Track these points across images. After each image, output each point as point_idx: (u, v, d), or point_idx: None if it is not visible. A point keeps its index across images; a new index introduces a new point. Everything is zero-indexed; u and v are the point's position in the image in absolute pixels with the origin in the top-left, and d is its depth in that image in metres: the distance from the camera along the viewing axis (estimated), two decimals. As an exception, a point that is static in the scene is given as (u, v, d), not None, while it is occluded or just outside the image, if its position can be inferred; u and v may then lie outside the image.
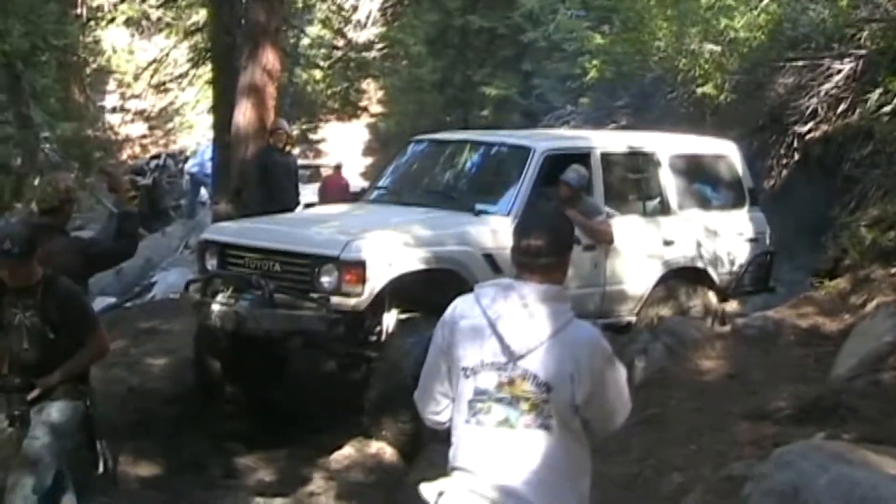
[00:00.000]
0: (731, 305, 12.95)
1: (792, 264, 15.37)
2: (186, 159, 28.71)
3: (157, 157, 30.14)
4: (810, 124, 16.19)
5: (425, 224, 10.72)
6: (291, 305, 10.05)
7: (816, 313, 11.15)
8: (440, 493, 4.51)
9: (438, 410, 4.62)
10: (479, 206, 11.08)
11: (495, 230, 10.73)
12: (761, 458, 7.14)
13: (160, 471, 9.97)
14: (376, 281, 9.81)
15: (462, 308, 4.53)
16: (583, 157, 11.69)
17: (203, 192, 26.58)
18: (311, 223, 11.35)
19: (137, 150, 33.68)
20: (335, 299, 9.79)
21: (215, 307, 10.30)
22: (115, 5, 30.55)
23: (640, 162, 12.48)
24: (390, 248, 10.10)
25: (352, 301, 9.79)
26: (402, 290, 10.08)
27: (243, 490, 9.73)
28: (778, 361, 10.24)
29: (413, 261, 10.12)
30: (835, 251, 12.88)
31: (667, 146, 12.76)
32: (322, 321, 9.80)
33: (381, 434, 9.97)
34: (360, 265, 9.76)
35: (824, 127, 16.02)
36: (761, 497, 5.46)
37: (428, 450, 9.99)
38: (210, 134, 23.36)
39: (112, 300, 18.64)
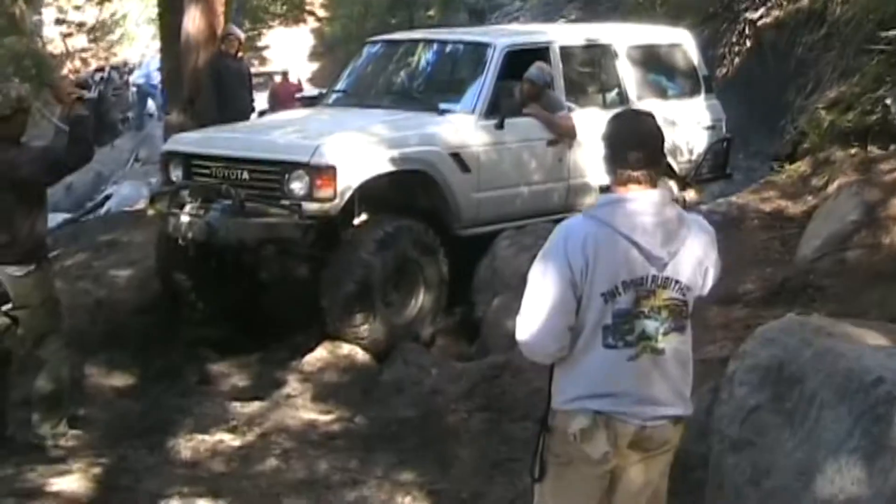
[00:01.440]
0: (690, 193, 13.01)
1: (748, 151, 15.51)
2: (131, 71, 28.45)
3: (101, 69, 29.94)
4: (762, 10, 16.32)
5: (390, 125, 10.71)
6: (263, 213, 9.98)
7: (779, 197, 11.26)
8: (582, 431, 4.47)
9: (566, 345, 4.44)
10: (442, 105, 11.09)
11: (460, 128, 10.81)
12: (734, 340, 7.24)
13: (134, 380, 9.96)
14: (347, 185, 9.82)
15: (582, 232, 4.38)
16: (542, 51, 11.69)
17: (150, 103, 26.41)
18: (277, 129, 11.28)
19: (78, 63, 33.09)
20: (307, 205, 9.77)
21: (184, 218, 10.12)
22: None
23: (598, 54, 12.47)
24: (359, 151, 10.10)
25: (324, 206, 9.79)
26: (372, 193, 10.12)
27: (219, 396, 9.67)
28: (744, 245, 10.31)
29: (382, 163, 10.12)
30: (793, 135, 12.98)
31: (623, 37, 12.74)
32: (295, 227, 9.80)
33: (350, 335, 10.00)
34: (330, 169, 9.75)
35: (776, 12, 16.13)
36: (745, 374, 5.45)
37: (401, 348, 10.11)
38: (155, 44, 23.10)
39: (67, 216, 18.54)
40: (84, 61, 33.22)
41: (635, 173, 4.34)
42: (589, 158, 11.64)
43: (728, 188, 13.49)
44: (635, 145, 4.36)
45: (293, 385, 9.70)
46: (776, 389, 5.30)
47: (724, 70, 16.75)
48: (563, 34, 12.96)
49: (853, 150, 11.39)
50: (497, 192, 11.08)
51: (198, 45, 15.80)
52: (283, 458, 8.39)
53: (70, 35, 34.57)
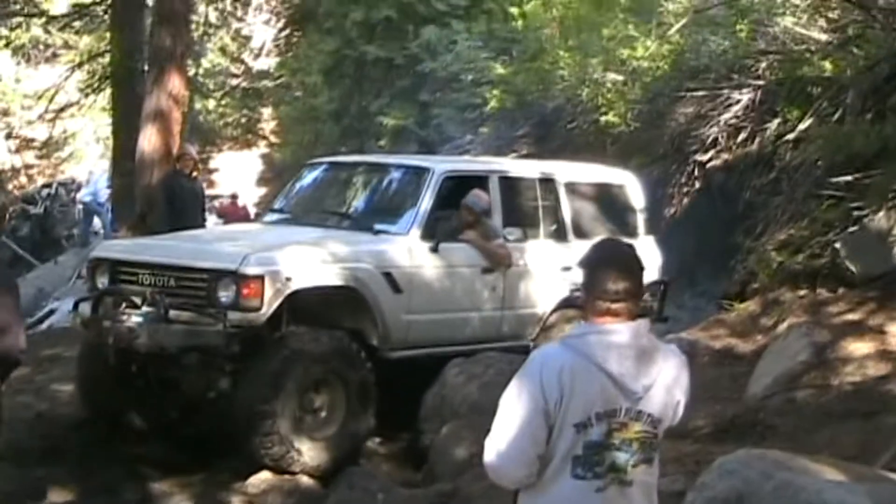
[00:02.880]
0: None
1: (694, 290, 15.60)
2: (79, 188, 28.33)
3: (48, 185, 29.88)
4: (711, 153, 16.44)
5: (324, 242, 10.75)
6: (187, 321, 9.92)
7: (728, 335, 11.34)
8: None
9: (534, 472, 4.32)
10: (377, 226, 11.16)
11: (394, 249, 10.87)
12: (685, 474, 7.22)
13: (73, 497, 9.83)
14: (274, 295, 9.79)
15: (559, 362, 4.29)
16: (481, 179, 11.84)
17: (96, 221, 26.28)
18: (207, 239, 11.32)
19: (24, 180, 33.00)
20: (232, 314, 9.71)
21: (106, 324, 10.05)
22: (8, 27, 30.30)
23: (538, 187, 12.50)
24: (289, 263, 10.09)
25: (249, 315, 9.74)
26: (301, 307, 10.07)
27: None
28: (694, 381, 10.28)
29: (312, 277, 10.16)
30: (742, 275, 13.09)
31: (564, 173, 12.87)
32: (219, 336, 9.73)
33: (259, 454, 9.80)
34: (258, 279, 9.75)
35: (725, 155, 16.27)
36: (706, 506, 5.49)
37: (347, 472, 10.01)
38: (103, 163, 23.10)
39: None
40: (30, 177, 33.12)
41: (615, 306, 4.29)
42: (525, 290, 11.80)
43: (676, 325, 13.53)
44: (616, 277, 4.32)
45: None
46: (736, 523, 5.29)
47: (673, 210, 16.86)
48: (504, 165, 13.25)
49: (802, 292, 11.54)
50: (428, 316, 11.08)
51: (152, 163, 15.88)
52: None
53: (18, 151, 34.55)
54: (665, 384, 4.42)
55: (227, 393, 10.14)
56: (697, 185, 16.62)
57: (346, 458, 10.20)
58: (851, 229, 11.77)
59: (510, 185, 12.19)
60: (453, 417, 10.26)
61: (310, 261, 10.30)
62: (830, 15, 15.03)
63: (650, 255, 12.84)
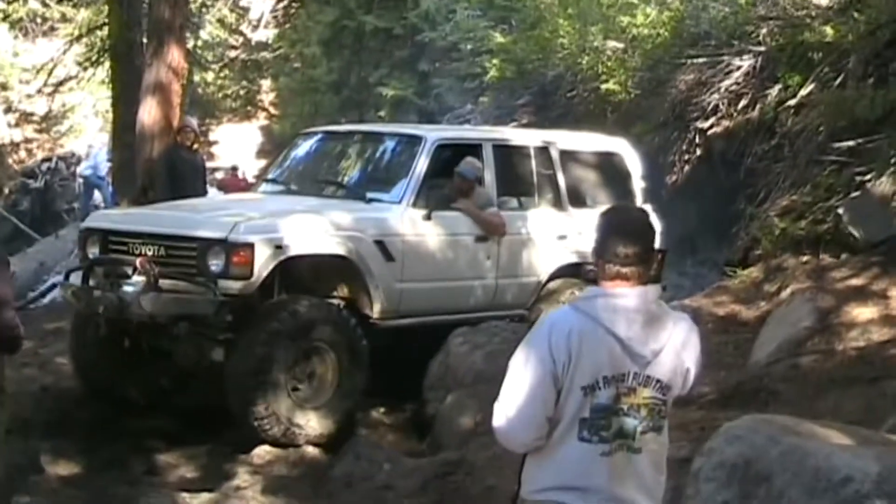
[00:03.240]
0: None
1: (696, 258, 15.66)
2: (79, 161, 28.31)
3: (48, 160, 29.96)
4: (712, 120, 16.44)
5: (316, 210, 10.72)
6: (177, 290, 9.91)
7: (732, 301, 11.37)
8: None
9: (543, 435, 4.35)
10: (370, 195, 11.17)
11: (386, 218, 10.84)
12: (690, 441, 7.24)
13: (80, 469, 9.80)
14: (265, 264, 9.79)
15: (567, 325, 4.31)
16: (474, 147, 11.81)
17: (97, 194, 26.27)
18: (198, 209, 11.28)
19: (23, 154, 33.00)
20: (223, 282, 9.72)
21: (97, 293, 10.09)
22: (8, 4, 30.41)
23: (533, 156, 12.45)
24: (280, 231, 10.07)
25: (240, 284, 9.74)
26: (292, 275, 10.09)
27: (167, 487, 9.49)
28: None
29: (304, 245, 10.13)
30: (745, 242, 13.11)
31: (559, 141, 12.80)
32: (209, 304, 9.72)
33: (251, 420, 9.80)
34: (248, 247, 9.73)
35: (726, 122, 16.27)
36: (712, 471, 5.51)
37: (352, 442, 10.03)
38: (102, 136, 23.08)
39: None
40: (29, 152, 33.11)
41: (624, 269, 4.31)
42: (521, 257, 11.78)
43: (679, 293, 13.55)
44: (626, 241, 4.33)
45: (243, 477, 9.59)
46: (743, 487, 5.34)
47: (674, 178, 16.89)
48: (498, 134, 13.22)
49: (805, 258, 11.57)
50: (421, 285, 11.04)
51: (153, 136, 15.84)
52: (227, 559, 8.35)
53: (17, 125, 34.56)
54: (674, 350, 4.42)
55: (221, 363, 10.05)
56: (698, 152, 16.65)
57: (345, 421, 10.22)
58: (854, 195, 11.82)
59: (505, 154, 12.15)
60: (458, 387, 10.31)
61: (301, 229, 10.27)
62: (834, -19, 15.04)
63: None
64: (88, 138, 30.90)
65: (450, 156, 11.47)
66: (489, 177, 11.73)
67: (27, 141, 34.14)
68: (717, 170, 16.05)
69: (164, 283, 9.91)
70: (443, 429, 10.10)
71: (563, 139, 13.07)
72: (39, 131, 34.69)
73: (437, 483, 8.94)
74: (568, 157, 12.61)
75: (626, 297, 4.30)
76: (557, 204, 12.33)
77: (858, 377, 8.86)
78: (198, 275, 9.87)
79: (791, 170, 13.56)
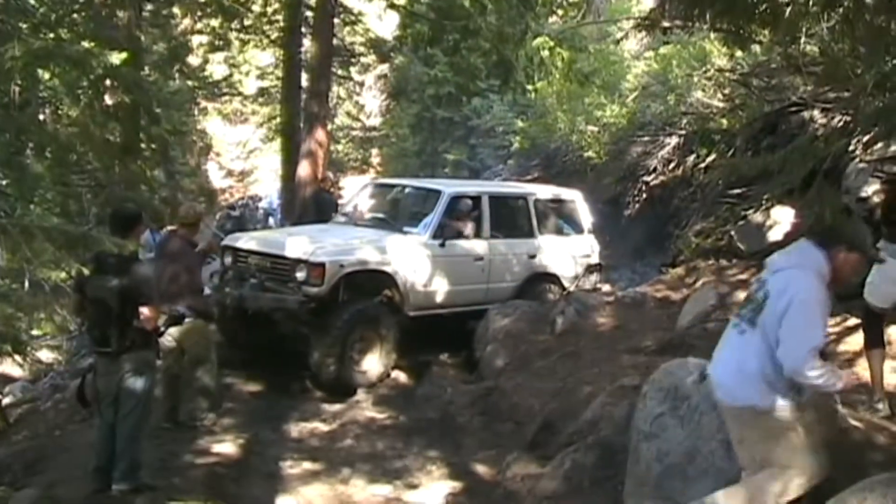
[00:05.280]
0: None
1: (643, 262, 15.67)
2: (260, 200, 28.50)
3: (242, 199, 30.18)
4: (652, 176, 16.37)
5: (367, 239, 10.32)
6: (277, 290, 9.63)
7: (666, 289, 11.32)
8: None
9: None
10: (405, 229, 10.75)
11: (415, 244, 10.44)
12: (640, 375, 7.23)
13: (261, 388, 9.85)
14: (332, 276, 9.47)
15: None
16: (476, 197, 11.26)
17: (271, 220, 26.45)
18: (293, 236, 10.67)
19: (227, 196, 33.30)
20: (305, 288, 9.44)
21: (227, 290, 9.88)
22: (220, 103, 31.00)
23: (516, 202, 12.00)
24: (342, 253, 9.75)
25: (315, 289, 9.43)
26: (350, 282, 9.71)
27: (314, 400, 9.57)
28: (645, 318, 10.43)
29: (357, 262, 9.79)
30: (674, 251, 13.09)
31: (533, 192, 12.35)
32: (297, 302, 9.43)
33: (326, 376, 9.57)
34: (321, 265, 9.44)
35: (662, 177, 16.20)
36: (654, 393, 5.51)
37: (427, 374, 10.08)
38: (277, 184, 23.21)
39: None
40: (231, 194, 33.39)
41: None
42: (503, 269, 11.36)
43: (632, 284, 13.52)
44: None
45: (360, 394, 9.72)
46: (673, 402, 5.36)
47: (629, 212, 16.82)
48: (493, 188, 12.63)
49: (711, 262, 11.55)
50: (436, 288, 10.59)
51: (306, 184, 15.92)
52: (355, 439, 8.53)
53: (225, 178, 35.06)
54: (784, 279, 4.47)
55: (306, 339, 9.73)
56: (644, 196, 16.55)
57: (382, 375, 9.94)
58: (741, 223, 11.78)
59: (497, 202, 11.58)
60: (493, 341, 10.29)
61: (357, 253, 9.92)
62: (725, 91, 14.96)
63: (591, 247, 12.52)
64: (266, 186, 31.09)
65: (460, 203, 11.03)
66: (485, 216, 11.21)
67: (231, 187, 34.48)
68: (656, 207, 15.96)
69: (268, 285, 9.71)
70: (484, 367, 10.10)
71: (537, 190, 12.62)
72: (238, 181, 35.06)
73: (481, 401, 9.09)
74: (539, 202, 12.03)
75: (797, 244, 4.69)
76: (530, 234, 11.75)
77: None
78: (289, 282, 9.59)
79: (702, 207, 13.53)
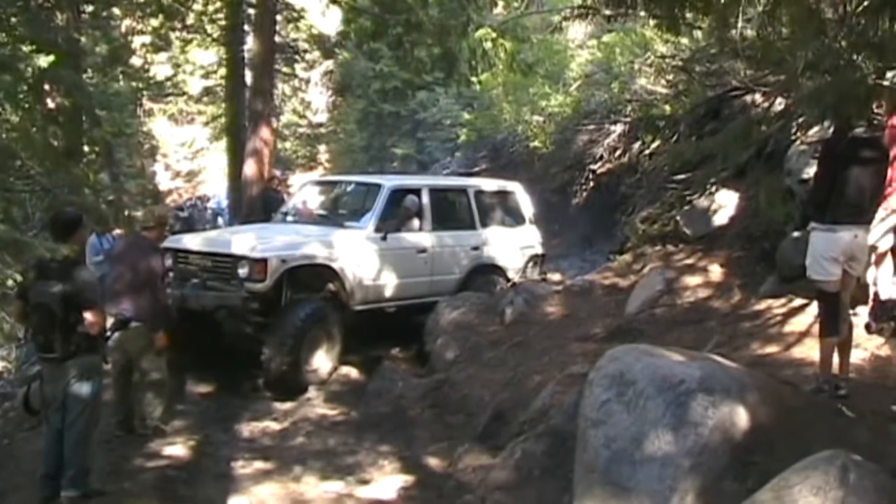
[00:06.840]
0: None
1: (592, 250, 15.73)
2: (208, 200, 28.21)
3: (190, 199, 29.89)
4: (599, 164, 16.41)
5: (309, 235, 10.30)
6: (219, 289, 9.57)
7: (614, 276, 11.33)
8: None
9: None
10: (346, 223, 10.74)
11: (357, 238, 10.40)
12: (590, 362, 7.25)
13: (211, 389, 9.75)
14: (275, 272, 9.44)
15: None
16: (416, 191, 11.24)
17: (220, 220, 26.20)
18: (233, 234, 10.65)
19: (175, 196, 32.97)
20: (248, 284, 9.39)
21: (168, 290, 9.43)
22: (165, 103, 30.56)
23: (457, 195, 12.03)
24: (284, 249, 9.72)
25: (259, 286, 9.39)
26: (294, 278, 9.68)
27: (265, 399, 9.50)
28: (593, 305, 10.45)
29: (299, 257, 9.75)
30: (621, 238, 13.12)
31: (474, 184, 12.36)
32: (239, 299, 9.39)
33: (276, 374, 9.45)
34: (263, 261, 9.40)
35: (608, 165, 16.24)
36: (600, 379, 5.46)
37: (379, 369, 10.02)
38: (224, 183, 23.02)
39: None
40: (179, 195, 33.05)
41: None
42: (446, 263, 11.33)
43: (581, 271, 13.55)
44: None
45: (312, 391, 9.66)
46: (619, 388, 5.34)
47: (577, 200, 16.86)
48: (433, 181, 12.57)
49: (658, 247, 11.55)
50: (381, 282, 10.55)
51: (252, 183, 15.81)
52: (306, 436, 8.48)
53: (172, 179, 34.74)
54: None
55: (252, 336, 9.57)
56: (591, 184, 16.60)
57: (333, 370, 9.92)
58: (686, 208, 11.83)
59: (437, 194, 11.57)
60: (444, 333, 10.27)
61: (298, 248, 9.86)
62: (669, 77, 15.03)
63: (534, 238, 12.57)
64: (214, 186, 30.77)
65: (400, 197, 10.96)
66: (426, 209, 11.18)
67: (178, 188, 34.14)
68: (603, 195, 15.95)
69: (209, 284, 9.65)
70: (435, 359, 10.07)
71: (476, 183, 12.61)
72: (185, 181, 34.74)
73: (432, 394, 9.06)
74: (480, 194, 12.07)
75: None
76: (472, 226, 11.76)
77: (690, 320, 8.96)
78: (231, 279, 9.54)
79: (648, 193, 13.51)
